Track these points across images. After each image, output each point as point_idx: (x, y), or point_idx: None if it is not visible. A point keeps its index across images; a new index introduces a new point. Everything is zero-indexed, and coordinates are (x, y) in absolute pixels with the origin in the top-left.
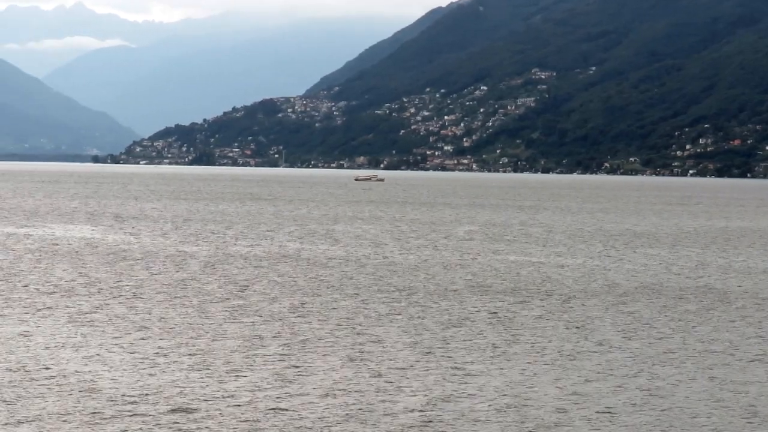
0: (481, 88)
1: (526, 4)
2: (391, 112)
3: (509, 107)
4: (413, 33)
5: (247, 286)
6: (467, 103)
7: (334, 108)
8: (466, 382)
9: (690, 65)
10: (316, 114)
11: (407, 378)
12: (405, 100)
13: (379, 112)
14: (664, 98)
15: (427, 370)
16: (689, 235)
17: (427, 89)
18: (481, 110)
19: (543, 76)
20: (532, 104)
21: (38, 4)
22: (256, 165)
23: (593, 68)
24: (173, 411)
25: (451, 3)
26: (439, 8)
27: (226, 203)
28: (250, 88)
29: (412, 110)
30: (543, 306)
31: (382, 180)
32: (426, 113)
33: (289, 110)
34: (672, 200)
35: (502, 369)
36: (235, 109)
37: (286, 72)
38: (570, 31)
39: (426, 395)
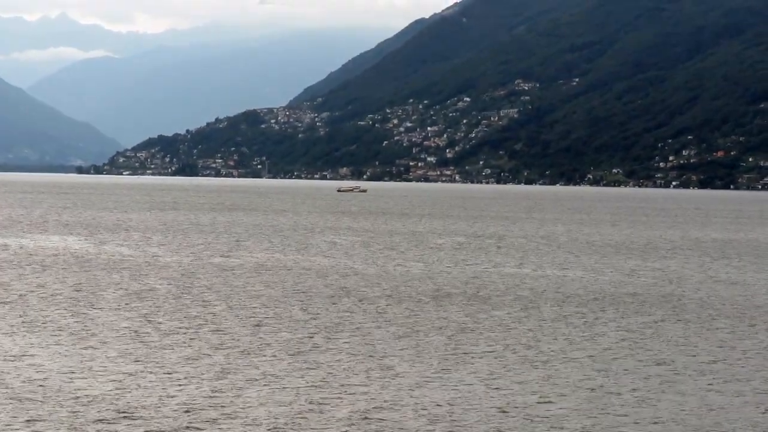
0: (465, 99)
1: (510, 14)
2: (374, 123)
3: (492, 118)
4: (397, 44)
5: (208, 296)
6: (450, 114)
7: (317, 119)
8: (403, 391)
9: (674, 76)
10: (300, 125)
11: (346, 387)
12: (388, 111)
13: (362, 123)
14: (648, 109)
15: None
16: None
17: (411, 100)
18: (465, 121)
19: (526, 87)
20: (515, 115)
21: (22, 14)
22: (240, 176)
23: (577, 79)
24: (117, 417)
25: (435, 14)
26: (423, 19)
27: (206, 214)
28: (233, 98)
29: (395, 121)
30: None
31: (365, 191)
32: (409, 124)
33: (273, 121)
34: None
35: (434, 378)
36: (218, 120)
37: (269, 83)
38: (554, 42)
39: (361, 404)
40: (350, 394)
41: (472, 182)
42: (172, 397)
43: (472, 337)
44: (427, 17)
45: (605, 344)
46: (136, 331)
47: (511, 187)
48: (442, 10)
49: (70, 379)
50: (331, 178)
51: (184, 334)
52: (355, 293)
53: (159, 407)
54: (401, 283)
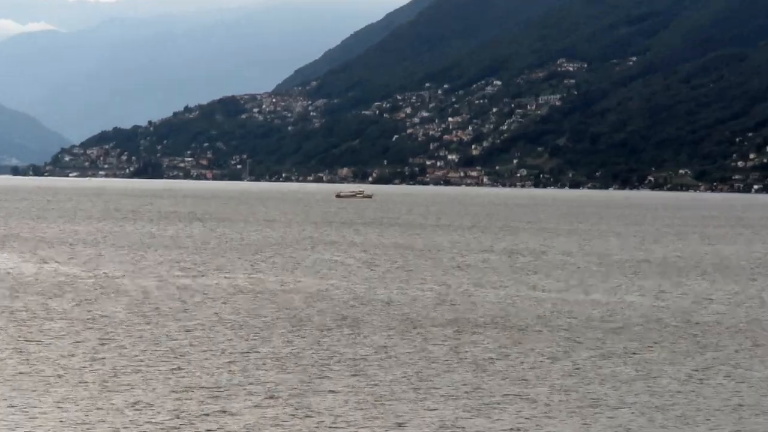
0: (494, 83)
1: None
2: (381, 112)
3: (529, 107)
4: (409, 15)
5: (173, 326)
6: (477, 101)
7: (311, 107)
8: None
9: (755, 54)
10: (289, 115)
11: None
12: (399, 97)
13: (366, 112)
14: (723, 95)
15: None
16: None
17: (427, 84)
18: (494, 110)
19: (571, 69)
20: (557, 103)
21: None
22: (215, 178)
23: (633, 58)
24: None
25: None
26: None
27: (171, 225)
28: (206, 82)
29: (408, 110)
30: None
31: (369, 197)
32: (425, 114)
33: (255, 110)
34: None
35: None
36: (187, 109)
37: (251, 63)
38: (605, 13)
39: None
40: None
41: (504, 185)
42: None
43: (496, 377)
44: None
45: (663, 386)
46: (81, 369)
47: (552, 192)
48: None
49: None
50: (328, 181)
51: (141, 371)
52: (355, 323)
53: None
54: (413, 310)
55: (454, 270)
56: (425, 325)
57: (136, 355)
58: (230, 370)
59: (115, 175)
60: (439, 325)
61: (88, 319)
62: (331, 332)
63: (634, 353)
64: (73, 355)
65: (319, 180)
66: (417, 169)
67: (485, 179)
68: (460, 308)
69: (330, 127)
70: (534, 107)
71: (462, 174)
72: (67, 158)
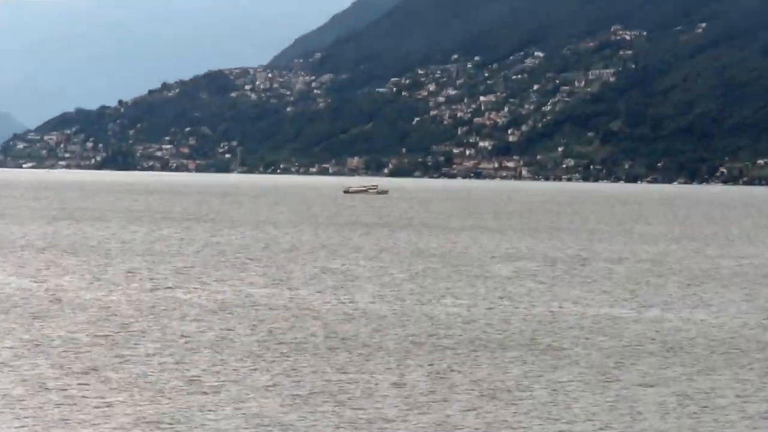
0: (535, 54)
1: None
2: (399, 90)
3: (577, 83)
4: None
5: (140, 347)
6: (514, 77)
7: (314, 84)
8: None
9: None
10: (288, 93)
11: None
12: (420, 72)
13: (381, 90)
14: None
15: None
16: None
17: (454, 56)
18: (535, 88)
19: (627, 37)
20: (610, 79)
21: None
22: (198, 169)
23: (703, 25)
24: None
25: None
26: None
27: (143, 226)
28: (188, 54)
29: (432, 88)
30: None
31: (384, 192)
32: (452, 92)
33: (248, 87)
34: None
35: None
36: (165, 86)
37: (242, 31)
38: None
39: None
40: None
41: (547, 178)
42: None
43: (529, 409)
44: None
45: (728, 421)
46: (33, 400)
47: (604, 187)
48: None
49: None
50: (335, 173)
51: (105, 402)
52: (362, 344)
53: None
54: (430, 328)
55: (481, 280)
56: (445, 347)
57: (99, 383)
58: (210, 402)
59: (78, 166)
60: (462, 347)
61: (40, 340)
62: (334, 355)
63: (694, 381)
64: (25, 382)
65: (323, 172)
66: (442, 158)
67: (524, 171)
68: (486, 326)
69: (337, 108)
70: (583, 84)
71: (496, 165)
72: (20, 146)
